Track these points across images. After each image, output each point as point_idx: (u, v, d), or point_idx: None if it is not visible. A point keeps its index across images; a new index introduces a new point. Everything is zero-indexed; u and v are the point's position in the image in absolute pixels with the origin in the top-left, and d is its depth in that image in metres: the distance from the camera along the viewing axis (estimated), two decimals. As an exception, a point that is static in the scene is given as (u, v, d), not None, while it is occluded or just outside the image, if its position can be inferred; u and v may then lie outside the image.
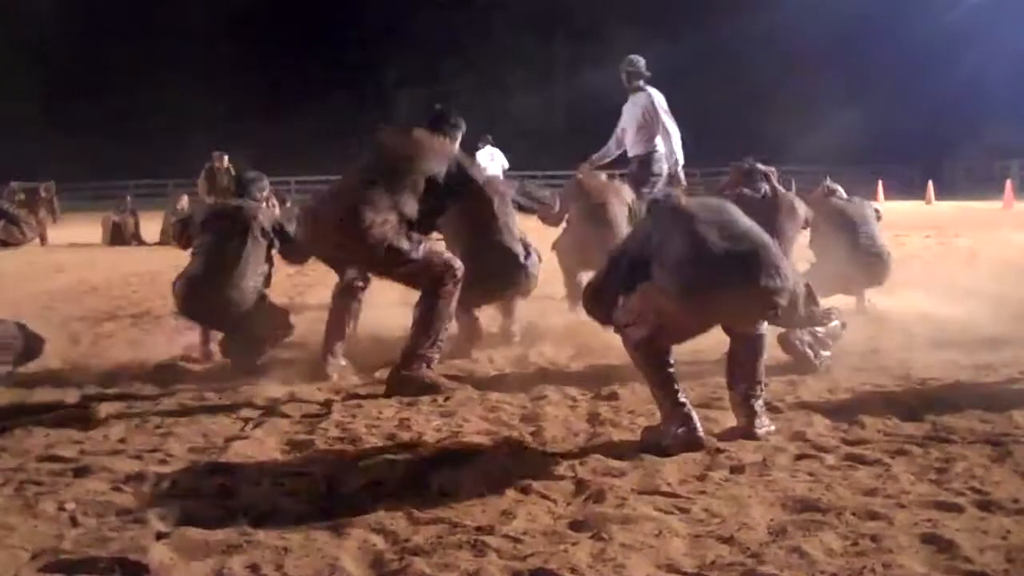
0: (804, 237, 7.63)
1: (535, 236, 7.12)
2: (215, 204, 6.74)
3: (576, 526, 3.23)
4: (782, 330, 5.34)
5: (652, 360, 4.21)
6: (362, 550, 3.05)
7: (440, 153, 5.61)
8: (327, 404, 5.06)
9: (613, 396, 5.07)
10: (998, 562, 2.85)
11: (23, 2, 42.32)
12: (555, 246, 8.16)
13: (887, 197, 30.75)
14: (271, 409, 4.94)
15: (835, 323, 5.36)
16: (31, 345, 5.73)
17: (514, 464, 3.88)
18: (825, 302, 5.18)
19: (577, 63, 48.13)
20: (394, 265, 5.42)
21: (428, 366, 5.40)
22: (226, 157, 17.93)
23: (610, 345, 6.36)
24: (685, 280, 4.09)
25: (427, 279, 5.47)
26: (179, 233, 6.80)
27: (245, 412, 4.91)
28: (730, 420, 4.40)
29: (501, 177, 7.37)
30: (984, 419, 4.44)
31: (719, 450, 4.01)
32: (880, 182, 31.86)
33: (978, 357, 5.91)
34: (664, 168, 9.15)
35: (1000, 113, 36.45)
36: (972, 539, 3.01)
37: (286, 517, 3.34)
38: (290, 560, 2.97)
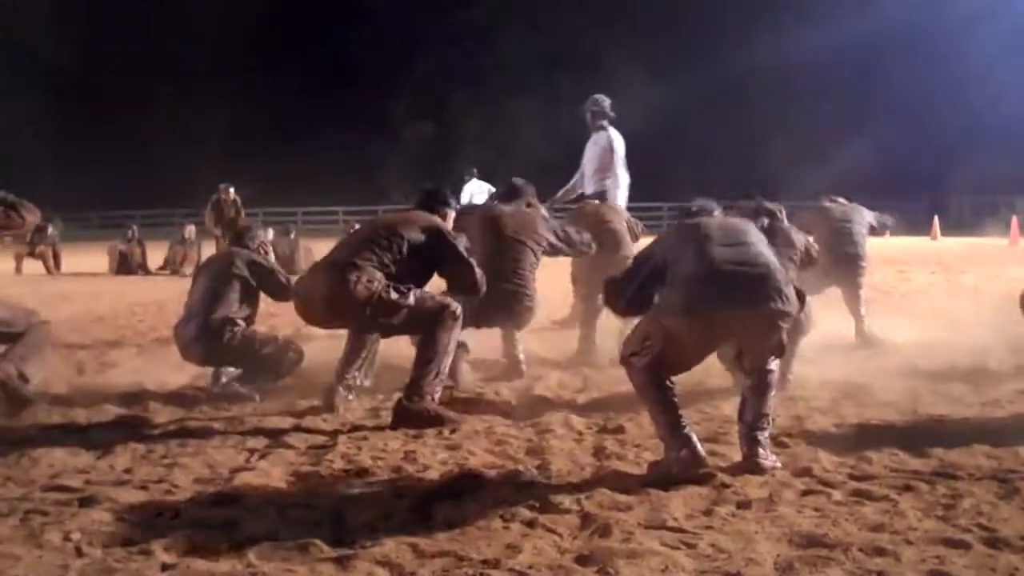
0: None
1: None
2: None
3: (582, 560, 3.22)
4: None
5: (654, 388, 4.30)
6: (368, 583, 3.04)
7: (423, 222, 5.74)
8: (333, 435, 5.06)
9: (619, 430, 5.06)
10: (1006, 600, 2.84)
11: (30, 32, 42.68)
12: (573, 279, 8.27)
13: (893, 233, 30.78)
14: (277, 440, 4.93)
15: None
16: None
17: (520, 497, 3.87)
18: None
19: (582, 95, 48.37)
20: (389, 316, 5.45)
21: (432, 399, 5.39)
22: (232, 189, 18.01)
23: (615, 379, 6.39)
24: (692, 296, 4.23)
25: (425, 321, 5.50)
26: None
27: (251, 443, 4.91)
28: (736, 454, 4.41)
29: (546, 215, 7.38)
30: (991, 455, 4.44)
31: (725, 485, 4.00)
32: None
33: (984, 393, 5.91)
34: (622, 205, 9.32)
35: (1006, 149, 36.50)
36: (980, 576, 3.00)
37: (291, 549, 3.33)
38: (295, 592, 2.96)
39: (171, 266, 19.00)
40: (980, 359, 6.93)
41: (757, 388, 4.37)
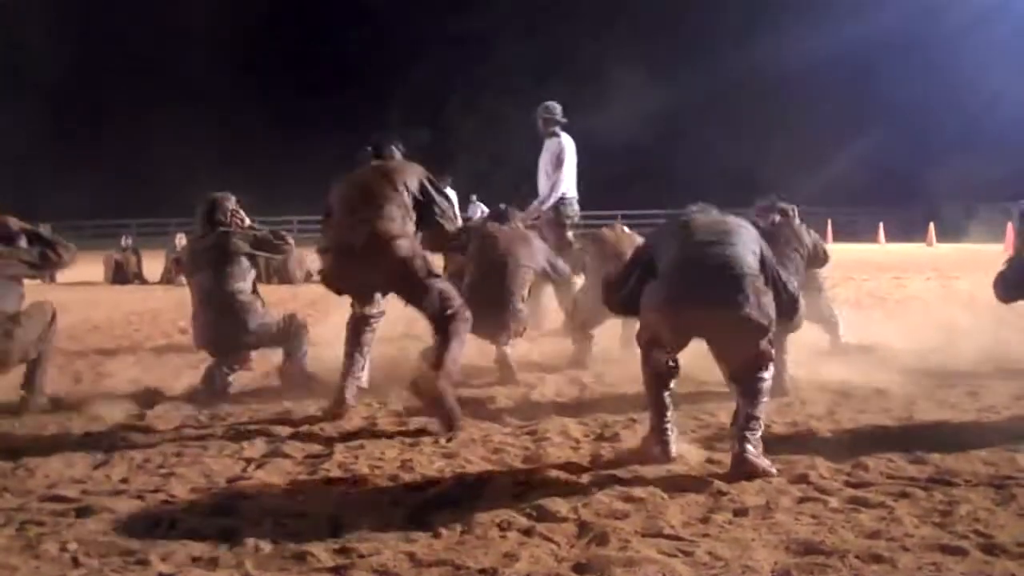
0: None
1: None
2: (193, 241, 6.92)
3: (579, 568, 3.22)
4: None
5: (655, 387, 4.58)
6: (365, 592, 3.04)
7: (413, 170, 6.00)
8: (329, 444, 5.05)
9: (615, 438, 5.07)
10: (1003, 606, 2.84)
11: (25, 40, 42.64)
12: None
13: (888, 239, 30.86)
14: (273, 449, 4.93)
15: None
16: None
17: (517, 506, 3.87)
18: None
19: (577, 104, 48.40)
20: (417, 282, 5.62)
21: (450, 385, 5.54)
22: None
23: (612, 386, 6.41)
24: (665, 289, 4.52)
25: (439, 307, 5.63)
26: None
27: (247, 452, 4.91)
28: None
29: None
30: (987, 461, 4.44)
31: (722, 493, 4.01)
32: (881, 224, 32.00)
33: (981, 399, 5.92)
34: (576, 210, 9.41)
35: (1002, 155, 36.58)
36: (976, 583, 3.01)
37: (289, 559, 3.33)
38: (293, 602, 2.96)
39: (165, 275, 18.97)
40: (976, 365, 6.95)
41: (745, 393, 4.45)
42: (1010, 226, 25.31)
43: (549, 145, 9.32)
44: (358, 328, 5.95)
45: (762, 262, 4.64)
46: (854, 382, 6.46)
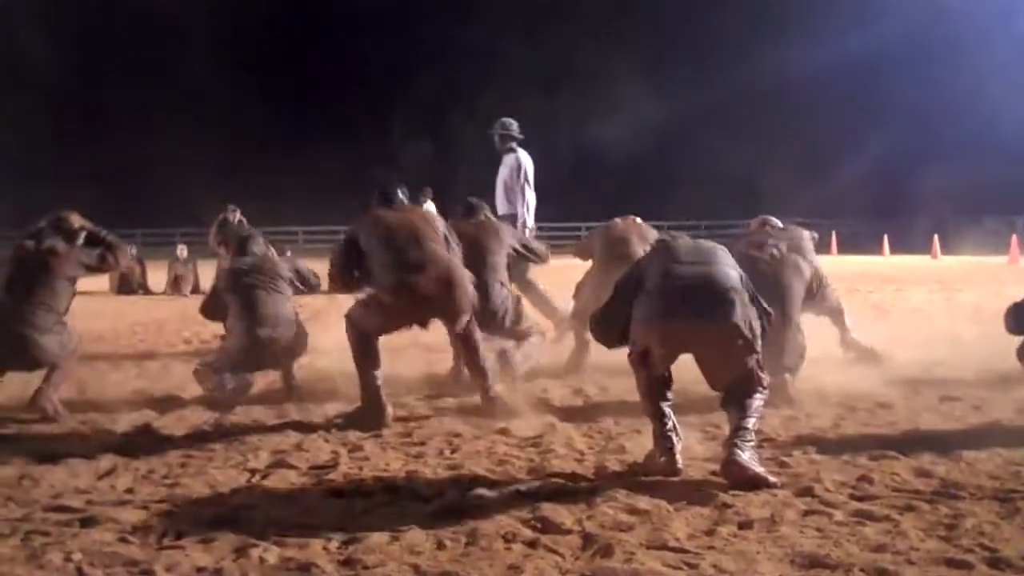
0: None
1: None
2: (234, 267, 7.04)
3: (584, 581, 3.22)
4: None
5: (649, 389, 4.65)
6: (370, 604, 3.04)
7: (439, 219, 6.51)
8: (334, 455, 5.06)
9: (620, 449, 5.06)
10: (1009, 620, 2.83)
11: (25, 52, 42.74)
12: (576, 294, 8.36)
13: (893, 251, 30.85)
14: (278, 460, 4.93)
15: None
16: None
17: (522, 518, 3.87)
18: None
19: (581, 115, 48.43)
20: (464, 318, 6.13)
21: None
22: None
23: (616, 397, 6.41)
24: (653, 309, 4.63)
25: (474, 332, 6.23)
26: (211, 309, 7.22)
27: (252, 463, 4.91)
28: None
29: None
30: (993, 475, 4.44)
31: (727, 505, 4.01)
32: (885, 236, 31.99)
33: (986, 412, 5.91)
34: (530, 227, 9.55)
35: (1004, 168, 36.61)
36: (982, 597, 3.00)
37: (293, 570, 3.34)
38: (298, 613, 2.96)
39: (169, 286, 18.99)
40: (981, 378, 6.94)
41: (728, 401, 4.62)
42: (1014, 238, 25.30)
43: (507, 161, 9.42)
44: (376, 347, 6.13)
45: (740, 280, 4.77)
46: (858, 395, 6.46)
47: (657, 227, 9.03)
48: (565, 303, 8.65)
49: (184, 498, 4.25)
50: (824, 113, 43.28)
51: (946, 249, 29.29)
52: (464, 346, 6.26)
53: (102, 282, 19.09)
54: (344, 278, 6.25)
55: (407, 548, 3.54)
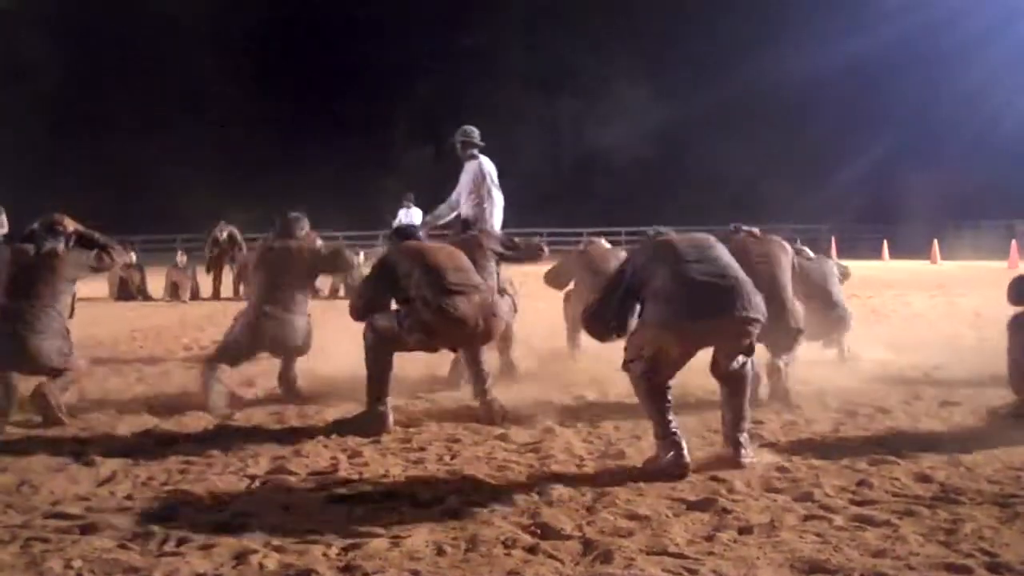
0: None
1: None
2: (267, 244, 7.43)
3: (584, 587, 3.21)
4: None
5: (651, 393, 4.75)
6: (369, 610, 3.03)
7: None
8: (334, 461, 5.05)
9: (620, 455, 5.06)
10: (1009, 626, 2.83)
11: (27, 57, 42.79)
12: (566, 300, 8.81)
13: (892, 256, 30.84)
14: (278, 466, 4.92)
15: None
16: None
17: (521, 523, 3.87)
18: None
19: (582, 121, 48.51)
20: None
21: None
22: (227, 229, 19.05)
23: (616, 403, 6.41)
24: (671, 310, 4.68)
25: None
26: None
27: (252, 469, 4.90)
28: (739, 486, 4.44)
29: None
30: (992, 479, 4.44)
31: (727, 510, 4.01)
32: (885, 241, 31.98)
33: (985, 417, 5.91)
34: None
35: (1005, 172, 36.62)
36: (982, 602, 3.00)
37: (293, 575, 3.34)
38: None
39: (168, 291, 18.98)
40: (981, 383, 6.95)
41: (731, 392, 4.85)
42: (1014, 243, 25.29)
43: (469, 168, 9.47)
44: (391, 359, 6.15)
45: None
46: (858, 400, 6.48)
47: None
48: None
49: (184, 504, 4.24)
50: (824, 117, 43.29)
51: (946, 254, 29.28)
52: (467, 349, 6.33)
53: (101, 288, 19.11)
54: (371, 308, 6.16)
55: (407, 554, 3.53)
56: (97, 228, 6.84)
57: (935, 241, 29.58)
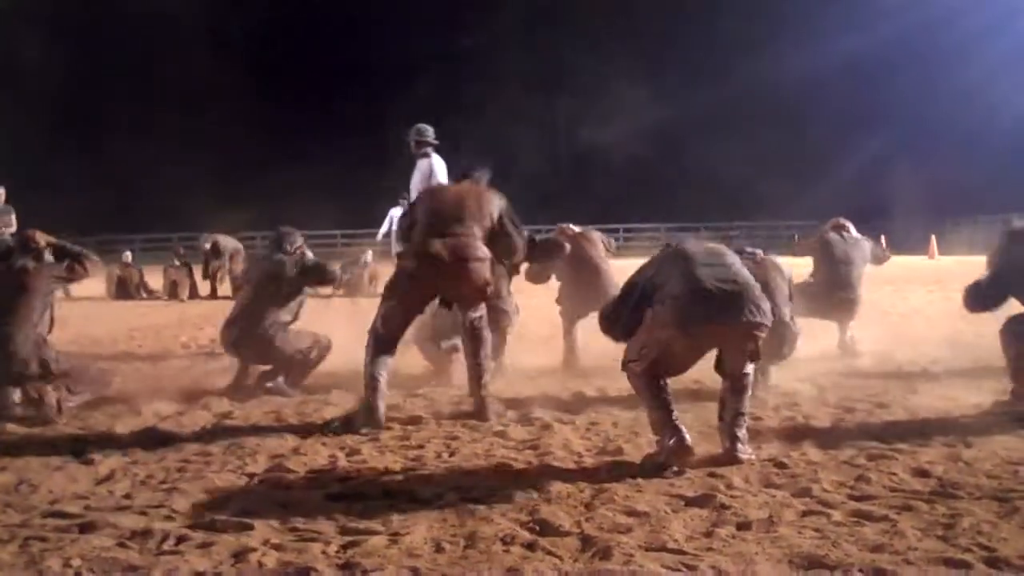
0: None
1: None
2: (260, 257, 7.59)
3: (583, 583, 3.21)
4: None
5: (651, 390, 4.84)
6: (368, 607, 3.03)
7: (495, 197, 6.55)
8: (332, 459, 5.05)
9: (618, 452, 5.06)
10: (1007, 619, 2.83)
11: (24, 60, 42.68)
12: (558, 300, 8.78)
13: (890, 252, 30.81)
14: (276, 464, 4.92)
15: None
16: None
17: (520, 520, 3.88)
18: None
19: (581, 121, 48.43)
20: (481, 299, 6.34)
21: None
22: (209, 244, 19.59)
23: (614, 399, 6.41)
24: (681, 312, 4.77)
25: (491, 318, 6.44)
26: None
27: (250, 467, 4.90)
28: (736, 477, 4.46)
29: None
30: (990, 474, 4.44)
31: (725, 506, 4.01)
32: (883, 237, 31.98)
33: (984, 412, 5.91)
34: None
35: (1002, 168, 36.60)
36: (980, 596, 3.00)
37: (292, 574, 3.33)
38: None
39: (166, 291, 18.99)
40: (979, 379, 6.95)
41: (734, 389, 4.91)
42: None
43: (420, 166, 9.54)
44: (387, 349, 6.23)
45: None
46: (857, 396, 6.49)
47: (654, 230, 9.17)
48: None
49: (182, 503, 4.24)
50: (821, 116, 43.25)
51: (943, 249, 29.29)
52: (470, 339, 6.33)
53: (99, 287, 19.10)
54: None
55: (406, 551, 3.53)
56: (96, 229, 6.88)
57: (932, 237, 29.58)
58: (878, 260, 9.17)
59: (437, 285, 6.26)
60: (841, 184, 37.55)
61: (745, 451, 4.82)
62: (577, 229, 9.29)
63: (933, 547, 3.47)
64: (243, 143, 46.26)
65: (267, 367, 7.18)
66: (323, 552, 3.56)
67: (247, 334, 7.11)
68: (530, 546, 3.57)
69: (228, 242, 19.45)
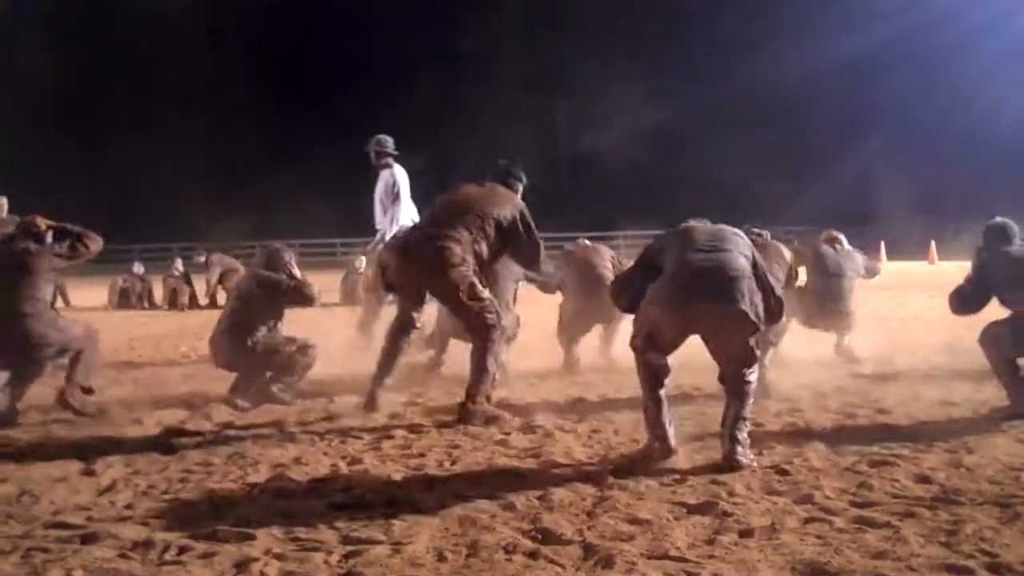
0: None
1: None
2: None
3: (585, 592, 3.21)
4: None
5: (649, 380, 4.91)
6: (371, 617, 3.03)
7: (508, 200, 6.52)
8: (334, 468, 5.05)
9: (620, 459, 5.05)
10: (1010, 626, 2.83)
11: (24, 60, 42.71)
12: (560, 319, 8.70)
13: (889, 257, 30.84)
14: (277, 474, 4.92)
15: None
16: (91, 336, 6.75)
17: (522, 529, 3.87)
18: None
19: (579, 125, 48.48)
20: (466, 300, 6.21)
21: (488, 401, 6.19)
22: (203, 257, 19.52)
23: (616, 407, 6.41)
24: (669, 290, 4.91)
25: (481, 323, 6.26)
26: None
27: (252, 477, 4.89)
28: (737, 484, 4.47)
29: None
30: (993, 480, 4.45)
31: (727, 514, 4.01)
32: (882, 242, 31.98)
33: (985, 418, 5.92)
34: None
35: (999, 172, 36.62)
36: (983, 603, 3.00)
37: (294, 584, 3.33)
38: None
39: (166, 300, 18.98)
40: (980, 384, 6.95)
41: (734, 394, 4.91)
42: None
43: (383, 176, 9.56)
44: (399, 336, 6.58)
45: (754, 266, 5.05)
46: (858, 402, 6.49)
47: (654, 232, 9.19)
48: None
49: (184, 513, 4.24)
50: (820, 117, 43.33)
51: (943, 254, 29.29)
52: (475, 341, 6.40)
53: (101, 297, 19.11)
54: None
55: (408, 561, 3.53)
56: (94, 231, 6.92)
57: (932, 242, 29.58)
58: (870, 273, 9.19)
59: (416, 280, 6.41)
60: (841, 186, 37.61)
61: (746, 456, 4.80)
62: (589, 243, 9.32)
63: (936, 554, 3.47)
64: (243, 143, 46.30)
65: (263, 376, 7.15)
66: (325, 561, 3.55)
67: (233, 348, 7.07)
68: (532, 555, 3.56)
69: (223, 260, 19.13)
